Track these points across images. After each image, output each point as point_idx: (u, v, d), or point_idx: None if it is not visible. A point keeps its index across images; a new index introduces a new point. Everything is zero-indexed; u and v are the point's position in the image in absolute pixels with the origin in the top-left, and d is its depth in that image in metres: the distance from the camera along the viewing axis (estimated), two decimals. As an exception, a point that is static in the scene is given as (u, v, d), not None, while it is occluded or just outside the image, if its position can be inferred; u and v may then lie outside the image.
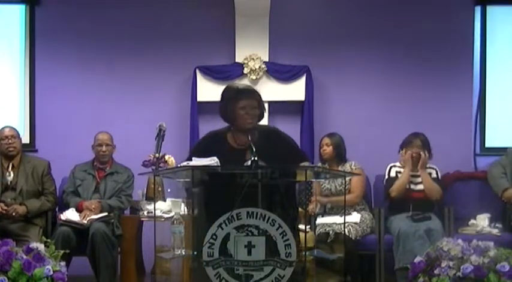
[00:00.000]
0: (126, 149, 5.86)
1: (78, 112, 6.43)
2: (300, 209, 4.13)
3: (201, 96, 6.34)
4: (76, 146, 6.05)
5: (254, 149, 3.68)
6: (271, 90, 6.25)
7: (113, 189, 5.65)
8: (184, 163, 3.82)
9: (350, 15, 6.53)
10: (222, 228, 3.66)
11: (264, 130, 4.10)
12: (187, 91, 6.40)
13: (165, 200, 5.47)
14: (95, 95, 6.47)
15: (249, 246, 3.66)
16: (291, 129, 5.69)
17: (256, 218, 3.66)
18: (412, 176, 5.65)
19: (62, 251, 4.42)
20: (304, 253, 3.81)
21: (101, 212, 5.47)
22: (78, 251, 5.25)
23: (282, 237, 3.67)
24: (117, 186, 5.66)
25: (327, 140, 5.76)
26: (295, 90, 6.38)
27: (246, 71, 6.32)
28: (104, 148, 5.69)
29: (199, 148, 4.10)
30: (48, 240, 4.46)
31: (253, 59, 6.32)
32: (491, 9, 6.59)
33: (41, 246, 4.28)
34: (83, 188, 5.65)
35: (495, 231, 5.55)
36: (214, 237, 3.66)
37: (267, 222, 3.66)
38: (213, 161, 3.75)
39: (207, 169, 3.74)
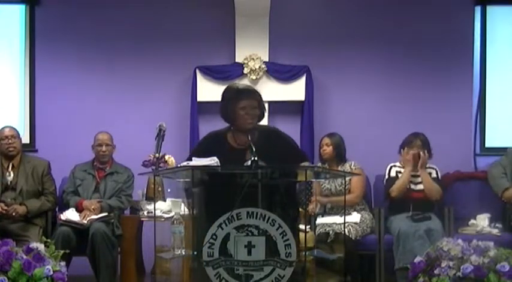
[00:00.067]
0: (126, 149, 5.86)
1: (78, 112, 6.43)
2: (300, 209, 4.13)
3: (201, 96, 6.34)
4: (76, 146, 6.05)
5: (254, 149, 3.68)
6: (271, 90, 6.25)
7: (113, 189, 5.65)
8: (184, 163, 3.82)
9: (350, 15, 6.53)
10: (222, 228, 3.66)
11: (264, 130, 4.10)
12: (187, 91, 6.40)
13: (165, 200, 5.48)
14: (95, 95, 6.47)
15: (249, 246, 3.66)
16: (291, 129, 5.69)
17: (256, 218, 3.66)
18: (412, 176, 5.65)
19: (62, 251, 4.43)
20: (304, 253, 3.81)
21: (101, 212, 5.46)
22: (78, 251, 5.25)
23: (282, 237, 3.67)
24: (117, 186, 5.66)
25: (327, 140, 5.76)
26: (295, 90, 6.38)
27: (246, 71, 6.32)
28: (103, 148, 5.69)
29: (200, 148, 4.10)
30: (48, 240, 4.46)
31: (253, 59, 6.32)
32: (491, 9, 6.59)
33: (41, 246, 4.28)
34: (83, 188, 5.65)
35: (495, 231, 5.55)
36: (214, 237, 3.66)
37: (267, 222, 3.66)
38: (213, 161, 3.75)
39: (207, 169, 3.74)
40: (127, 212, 5.74)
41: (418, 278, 4.32)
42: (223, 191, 3.75)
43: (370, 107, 6.49)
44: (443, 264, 4.21)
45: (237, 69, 6.35)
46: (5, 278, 4.05)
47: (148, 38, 6.48)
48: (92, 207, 5.45)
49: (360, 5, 6.52)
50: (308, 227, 4.82)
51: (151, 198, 5.46)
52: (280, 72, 6.37)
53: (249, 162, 3.66)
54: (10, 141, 5.57)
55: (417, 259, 4.39)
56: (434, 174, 5.70)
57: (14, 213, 5.37)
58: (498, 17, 6.61)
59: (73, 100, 6.46)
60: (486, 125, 6.57)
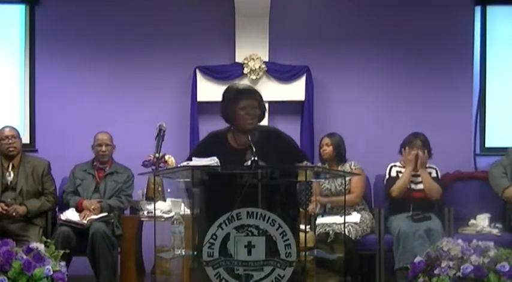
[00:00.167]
0: (126, 149, 5.86)
1: (78, 112, 6.43)
2: (300, 209, 4.13)
3: (201, 96, 6.35)
4: (76, 146, 6.05)
5: (254, 149, 3.68)
6: (271, 90, 6.25)
7: (113, 189, 5.65)
8: (184, 163, 3.82)
9: (350, 15, 6.53)
10: (222, 228, 3.66)
11: (264, 130, 4.10)
12: (187, 91, 6.40)
13: (165, 200, 5.47)
14: (95, 95, 6.47)
15: (249, 246, 3.66)
16: (291, 129, 5.69)
17: (256, 218, 3.66)
18: (413, 175, 5.65)
19: (62, 251, 4.42)
20: (304, 253, 3.81)
21: (101, 212, 5.46)
22: (78, 251, 5.25)
23: (282, 237, 3.67)
24: (117, 186, 5.66)
25: (327, 140, 5.76)
26: (295, 90, 6.38)
27: (246, 71, 6.32)
28: (103, 148, 5.69)
29: (200, 148, 4.10)
30: (48, 240, 4.45)
31: (253, 59, 6.32)
32: (491, 9, 6.59)
33: (41, 246, 4.28)
34: (82, 188, 5.65)
35: (495, 231, 5.55)
36: (214, 237, 3.67)
37: (267, 222, 3.66)
38: (213, 161, 3.75)
39: (207, 169, 3.74)
40: (127, 212, 5.74)
41: (418, 278, 4.32)
42: (223, 191, 3.75)
43: (370, 107, 6.49)
44: (443, 264, 4.21)
45: (237, 69, 6.35)
46: (5, 278, 4.05)
47: (148, 38, 6.48)
48: (92, 207, 5.45)
49: (360, 5, 6.52)
50: (308, 227, 4.82)
51: (151, 198, 5.46)
52: (280, 72, 6.37)
53: (249, 162, 3.66)
54: (10, 141, 5.57)
55: (417, 259, 4.39)
56: (434, 174, 5.70)
57: (14, 213, 5.37)
58: (498, 17, 6.61)
59: (73, 100, 6.47)
60: (486, 125, 6.57)
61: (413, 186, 5.65)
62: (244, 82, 6.14)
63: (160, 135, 5.10)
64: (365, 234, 5.53)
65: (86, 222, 5.35)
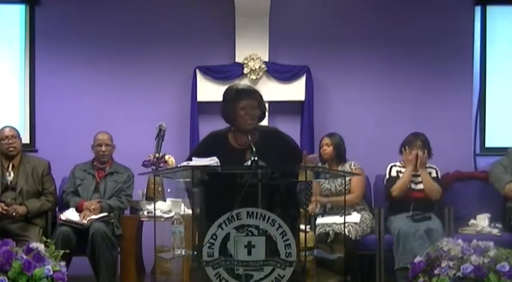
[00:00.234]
0: (126, 149, 5.86)
1: (78, 112, 6.43)
2: (300, 209, 4.12)
3: (201, 96, 6.35)
4: (76, 146, 6.05)
5: (254, 149, 3.68)
6: (271, 90, 6.25)
7: (113, 189, 5.65)
8: (184, 163, 3.82)
9: (350, 15, 6.53)
10: (222, 228, 3.66)
11: (264, 130, 4.10)
12: (187, 91, 6.40)
13: (165, 200, 5.47)
14: (95, 95, 6.47)
15: (249, 246, 3.66)
16: (291, 129, 5.69)
17: (256, 218, 3.66)
18: (413, 175, 5.65)
19: (62, 251, 4.42)
20: (304, 253, 3.81)
21: (101, 212, 5.46)
22: (78, 251, 5.25)
23: (282, 237, 3.67)
24: (117, 186, 5.66)
25: (327, 140, 5.76)
26: (295, 90, 6.38)
27: (246, 71, 6.32)
28: (103, 148, 5.69)
29: (200, 148, 4.10)
30: (48, 240, 4.45)
31: (253, 59, 6.32)
32: (491, 9, 6.59)
33: (41, 246, 4.28)
34: (82, 188, 5.65)
35: (495, 231, 5.55)
36: (214, 237, 3.66)
37: (267, 222, 3.66)
38: (213, 161, 3.75)
39: (207, 169, 3.74)
40: (127, 212, 5.74)
41: (418, 278, 4.32)
42: (223, 191, 3.75)
43: (370, 107, 6.49)
44: (443, 264, 4.21)
45: (237, 69, 6.35)
46: (5, 278, 4.05)
47: (149, 37, 6.48)
48: (92, 207, 5.45)
49: (360, 5, 6.52)
50: (308, 227, 4.82)
51: (151, 198, 5.46)
52: (280, 72, 6.38)
53: (249, 163, 3.66)
54: (10, 141, 5.57)
55: (417, 259, 4.39)
56: (434, 174, 5.70)
57: (14, 213, 5.37)
58: (498, 17, 6.61)
59: (73, 100, 6.47)
60: (486, 125, 6.57)
61: (413, 186, 5.66)
62: (244, 82, 6.14)
63: (160, 135, 5.11)
64: (365, 234, 5.53)
65: (86, 222, 5.35)
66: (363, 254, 5.59)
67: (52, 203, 5.61)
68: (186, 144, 6.27)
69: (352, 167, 5.70)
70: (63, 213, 5.46)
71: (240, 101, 3.95)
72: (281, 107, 6.35)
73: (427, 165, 5.69)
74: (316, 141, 6.08)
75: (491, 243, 4.34)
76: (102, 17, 6.50)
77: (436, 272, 4.22)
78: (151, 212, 5.30)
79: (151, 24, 6.49)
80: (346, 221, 5.41)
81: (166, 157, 5.64)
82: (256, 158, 3.63)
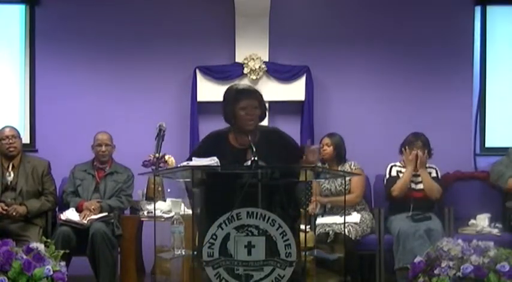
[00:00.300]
0: (126, 149, 5.86)
1: (78, 112, 6.43)
2: (300, 209, 4.12)
3: (201, 96, 6.35)
4: (76, 146, 6.05)
5: (254, 149, 3.68)
6: (271, 90, 6.25)
7: (113, 189, 5.65)
8: (184, 163, 3.82)
9: (350, 15, 6.53)
10: (222, 228, 3.67)
11: (264, 130, 4.10)
12: (187, 91, 6.40)
13: (165, 200, 5.47)
14: (95, 95, 6.47)
15: (249, 246, 3.66)
16: (291, 129, 5.68)
17: (256, 218, 3.66)
18: (413, 175, 5.65)
19: (62, 251, 4.42)
20: (304, 253, 3.81)
21: (101, 212, 5.46)
22: (78, 251, 5.25)
23: (282, 237, 3.67)
24: (117, 186, 5.66)
25: (327, 140, 5.76)
26: (295, 90, 6.38)
27: (246, 71, 6.32)
28: (103, 148, 5.69)
29: (201, 148, 4.09)
30: (48, 240, 4.45)
31: (253, 59, 6.32)
32: (491, 9, 6.59)
33: (41, 246, 4.28)
34: (82, 188, 5.65)
35: (495, 231, 5.56)
36: (214, 237, 3.67)
37: (267, 222, 3.67)
38: (213, 161, 3.75)
39: (207, 169, 3.74)
40: (127, 212, 5.74)
41: (418, 278, 4.32)
42: (223, 191, 3.75)
43: (370, 107, 6.49)
44: (443, 264, 4.21)
45: (237, 69, 6.35)
46: (5, 278, 4.05)
47: (148, 37, 6.48)
48: (92, 207, 5.45)
49: (360, 5, 6.52)
50: (308, 227, 4.81)
51: (151, 198, 5.46)
52: (280, 72, 6.38)
53: (249, 163, 3.66)
54: (10, 141, 5.57)
55: (417, 259, 4.39)
56: (434, 174, 5.71)
57: (14, 213, 5.37)
58: (498, 17, 6.61)
59: (73, 100, 6.46)
60: (486, 125, 6.57)
61: (413, 186, 5.66)
62: (244, 82, 6.14)
63: (160, 135, 5.11)
64: (365, 234, 5.53)
65: (86, 222, 5.34)
66: (363, 254, 5.60)
67: (52, 203, 5.61)
68: (186, 144, 6.27)
69: (352, 167, 5.70)
70: (63, 213, 5.46)
71: (240, 101, 3.95)
72: (281, 107, 6.35)
73: (427, 165, 5.69)
74: (316, 141, 6.07)
75: (491, 243, 4.34)
76: (102, 17, 6.50)
77: (436, 272, 4.21)
78: (151, 212, 5.30)
79: (151, 24, 6.49)
80: (346, 221, 5.41)
81: (166, 157, 5.64)
82: (256, 158, 3.63)
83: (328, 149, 5.72)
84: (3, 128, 5.64)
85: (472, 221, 5.68)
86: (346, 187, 5.59)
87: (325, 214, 5.64)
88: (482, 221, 5.63)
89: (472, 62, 6.54)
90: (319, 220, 5.53)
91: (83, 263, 5.37)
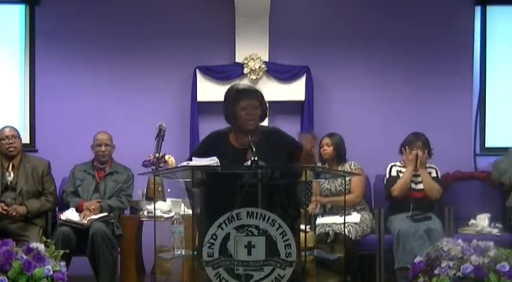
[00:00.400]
0: (126, 149, 5.86)
1: (78, 112, 6.43)
2: (300, 209, 4.12)
3: (201, 96, 6.35)
4: (76, 146, 6.05)
5: (254, 149, 3.68)
6: (271, 90, 6.24)
7: (113, 189, 5.64)
8: (184, 163, 3.82)
9: (350, 15, 6.53)
10: (222, 228, 3.67)
11: (265, 130, 4.10)
12: (187, 91, 6.40)
13: (165, 200, 5.47)
14: (95, 95, 6.47)
15: (249, 246, 3.66)
16: (291, 129, 5.64)
17: (256, 218, 3.66)
18: (413, 175, 5.65)
19: (62, 251, 4.41)
20: (304, 253, 3.81)
21: (101, 212, 5.46)
22: (78, 251, 5.25)
23: (282, 237, 3.67)
24: (117, 186, 5.66)
25: (327, 140, 5.76)
26: (295, 90, 6.38)
27: (246, 71, 6.32)
28: (103, 148, 5.69)
29: (202, 148, 4.09)
30: (48, 240, 4.45)
31: (253, 59, 6.32)
32: (491, 9, 6.59)
33: (41, 246, 4.27)
34: (82, 188, 5.65)
35: (495, 231, 5.56)
36: (214, 237, 3.67)
37: (267, 222, 3.67)
38: (213, 161, 3.75)
39: (207, 169, 3.74)
40: (127, 212, 5.74)
41: (418, 278, 4.32)
42: (223, 191, 3.75)
43: (370, 107, 6.49)
44: (443, 264, 4.21)
45: (237, 69, 6.35)
46: (5, 278, 4.05)
47: (148, 38, 6.48)
48: (92, 207, 5.45)
49: (360, 5, 6.52)
50: (308, 227, 4.82)
51: (151, 198, 5.46)
52: (280, 72, 6.38)
53: (249, 162, 3.66)
54: (10, 141, 5.57)
55: (417, 259, 4.39)
56: (434, 174, 5.71)
57: (14, 213, 5.37)
58: (498, 17, 6.61)
59: (73, 100, 6.46)
60: (486, 125, 6.57)
61: (413, 186, 5.66)
62: (244, 82, 6.14)
63: (160, 135, 5.11)
64: (365, 234, 5.53)
65: (86, 222, 5.34)
66: (363, 254, 5.60)
67: (52, 203, 5.61)
68: (186, 144, 6.27)
69: (352, 167, 5.70)
70: (63, 213, 5.46)
71: (241, 101, 3.95)
72: (281, 107, 6.35)
73: (427, 165, 5.69)
74: (316, 141, 6.07)
75: (491, 243, 4.34)
76: (102, 17, 6.50)
77: (436, 272, 4.21)
78: (151, 212, 5.30)
79: (151, 24, 6.49)
80: (346, 221, 5.41)
81: (166, 157, 5.64)
82: (256, 158, 3.63)
83: (328, 149, 5.72)
84: (3, 128, 5.64)
85: (472, 221, 5.68)
86: (346, 187, 5.59)
87: (325, 214, 5.64)
88: (482, 221, 5.63)
89: (472, 62, 6.54)
90: (319, 220, 5.53)
91: (83, 263, 5.37)
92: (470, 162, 6.47)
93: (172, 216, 4.38)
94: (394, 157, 5.78)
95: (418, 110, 6.44)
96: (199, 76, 6.38)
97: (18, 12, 6.54)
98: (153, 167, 5.32)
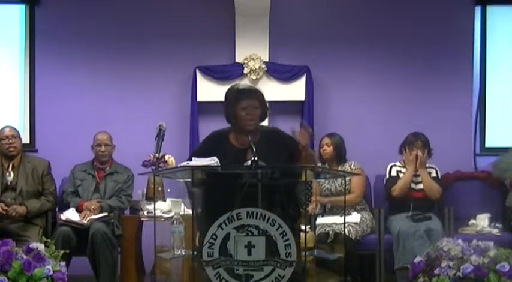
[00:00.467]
0: (126, 149, 5.86)
1: (78, 112, 6.43)
2: (300, 209, 4.12)
3: (201, 96, 6.35)
4: (76, 146, 6.05)
5: (254, 149, 3.68)
6: (271, 90, 6.23)
7: (113, 189, 5.64)
8: (184, 163, 3.82)
9: (350, 15, 6.53)
10: (222, 228, 3.67)
11: (265, 130, 4.10)
12: (187, 91, 6.40)
13: (165, 200, 5.47)
14: (95, 95, 6.47)
15: (249, 246, 3.66)
16: (291, 129, 5.67)
17: (256, 218, 3.66)
18: (413, 175, 5.65)
19: (62, 251, 4.42)
20: (304, 253, 3.81)
21: (101, 212, 5.46)
22: (78, 251, 5.25)
23: (282, 237, 3.67)
24: (117, 186, 5.66)
25: (327, 140, 5.76)
26: (295, 90, 6.38)
27: (246, 71, 6.32)
28: (103, 148, 5.69)
29: (202, 148, 4.09)
30: (48, 240, 4.45)
31: (253, 59, 6.32)
32: (491, 9, 6.59)
33: (41, 246, 4.28)
34: (82, 188, 5.65)
35: (495, 231, 5.56)
36: (214, 237, 3.67)
37: (267, 222, 3.67)
38: (213, 161, 3.75)
39: (207, 169, 3.74)
40: (127, 212, 5.74)
41: (418, 278, 4.32)
42: (223, 191, 3.75)
43: (370, 107, 6.49)
44: (443, 264, 4.21)
45: (237, 69, 6.35)
46: (5, 278, 4.05)
47: (149, 37, 6.48)
48: (92, 207, 5.45)
49: (360, 5, 6.52)
50: (308, 227, 4.81)
51: (151, 198, 5.46)
52: (280, 72, 6.38)
53: (249, 162, 3.66)
54: (10, 141, 5.57)
55: (417, 259, 4.39)
56: (434, 174, 5.71)
57: (13, 214, 5.37)
58: (498, 17, 6.61)
59: (73, 100, 6.46)
60: (486, 125, 6.57)
61: (413, 186, 5.65)
62: (244, 82, 6.14)
63: (160, 135, 5.11)
64: (365, 234, 5.53)
65: (86, 222, 5.34)
66: (363, 254, 5.60)
67: (52, 203, 5.61)
68: (186, 144, 6.27)
69: (352, 167, 5.70)
70: (63, 213, 5.46)
71: (241, 101, 3.95)
72: (281, 107, 6.33)
73: (427, 165, 5.69)
74: (316, 141, 6.07)
75: (491, 243, 4.34)
76: (102, 17, 6.50)
77: (436, 272, 4.21)
78: (151, 212, 5.30)
79: (151, 24, 6.49)
80: (346, 221, 5.41)
81: (166, 157, 5.64)
82: (256, 158, 3.63)
83: (328, 149, 5.72)
84: (3, 128, 5.64)
85: (472, 221, 5.68)
86: (346, 187, 5.59)
87: (325, 214, 5.64)
88: (482, 221, 5.63)
89: (472, 62, 6.54)
90: (319, 220, 5.53)
91: (83, 263, 5.37)
92: (470, 162, 6.47)
93: (172, 216, 4.37)
94: (394, 157, 5.78)
95: (418, 110, 6.44)
96: (199, 76, 6.38)
97: (18, 12, 6.54)
98: (153, 167, 5.32)
